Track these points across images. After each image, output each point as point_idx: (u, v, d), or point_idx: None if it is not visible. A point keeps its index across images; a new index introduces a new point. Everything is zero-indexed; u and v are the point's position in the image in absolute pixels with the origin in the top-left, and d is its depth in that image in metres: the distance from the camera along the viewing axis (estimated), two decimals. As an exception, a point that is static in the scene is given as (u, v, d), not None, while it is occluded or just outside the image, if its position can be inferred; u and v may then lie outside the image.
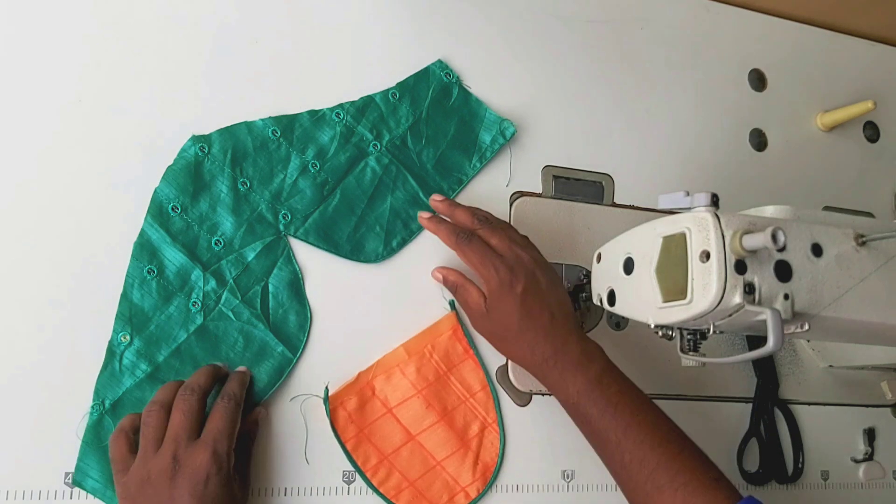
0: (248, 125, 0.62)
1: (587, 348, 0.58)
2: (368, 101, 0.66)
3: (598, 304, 0.62)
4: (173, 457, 0.50)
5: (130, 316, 0.56)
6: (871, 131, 0.88)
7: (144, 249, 0.58)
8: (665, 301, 0.52)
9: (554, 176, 0.72)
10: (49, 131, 0.58)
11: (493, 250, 0.59)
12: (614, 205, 0.74)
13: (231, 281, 0.59)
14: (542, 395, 0.67)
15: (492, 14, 0.74)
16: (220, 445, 0.51)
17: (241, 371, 0.58)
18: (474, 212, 0.61)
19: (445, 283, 0.63)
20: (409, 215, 0.65)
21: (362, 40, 0.69)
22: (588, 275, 0.66)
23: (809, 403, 0.77)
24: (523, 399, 0.67)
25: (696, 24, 0.83)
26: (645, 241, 0.55)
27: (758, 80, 0.84)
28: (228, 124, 0.63)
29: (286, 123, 0.63)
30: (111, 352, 0.56)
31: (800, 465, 0.74)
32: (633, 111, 0.77)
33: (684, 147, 0.79)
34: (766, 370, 0.75)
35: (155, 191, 0.59)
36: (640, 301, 0.55)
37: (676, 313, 0.51)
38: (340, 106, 0.65)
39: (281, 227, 0.61)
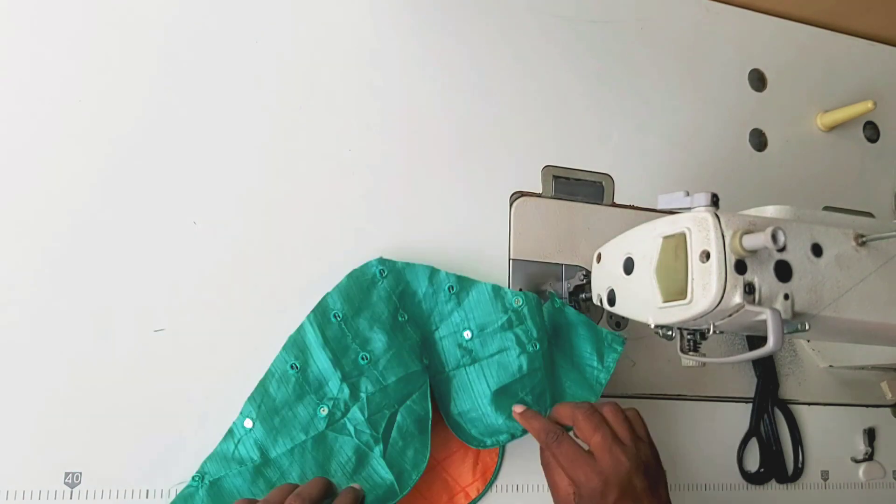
0: (433, 271, 0.62)
1: None
2: (539, 303, 0.64)
3: (598, 304, 0.62)
4: None
5: (261, 403, 0.56)
6: (871, 131, 0.88)
7: (296, 345, 0.58)
8: (665, 301, 0.52)
9: (554, 176, 0.72)
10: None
11: (588, 453, 0.55)
12: (614, 205, 0.74)
13: (364, 396, 0.58)
14: (542, 395, 0.67)
15: (492, 14, 0.74)
16: None
17: (354, 488, 0.54)
18: (576, 403, 0.58)
19: (540, 437, 0.57)
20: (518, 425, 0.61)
21: (362, 40, 0.69)
22: (588, 275, 0.66)
23: (809, 403, 0.77)
24: (523, 399, 0.67)
25: (696, 24, 0.83)
26: (645, 241, 0.55)
27: (758, 80, 0.84)
28: (228, 126, 0.63)
29: (465, 285, 0.63)
30: (231, 433, 0.56)
31: (800, 465, 0.74)
32: (633, 111, 0.77)
33: (684, 147, 0.79)
34: (767, 370, 0.75)
35: (325, 296, 0.59)
36: (640, 301, 0.55)
37: (676, 313, 0.51)
38: (525, 294, 0.63)
39: (422, 367, 0.60)
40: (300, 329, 0.58)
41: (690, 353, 0.56)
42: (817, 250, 0.53)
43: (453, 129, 0.70)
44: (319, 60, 0.67)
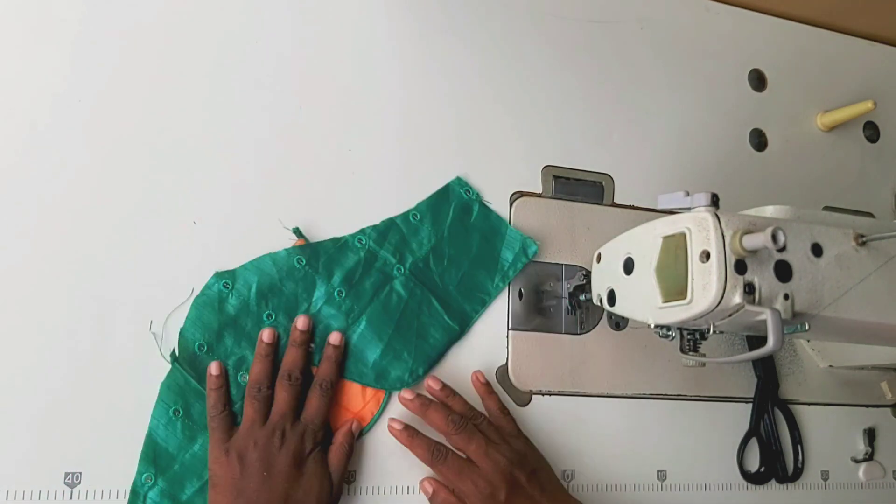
0: (273, 257, 0.61)
1: None
2: (390, 224, 0.65)
3: (598, 304, 0.62)
4: (281, 430, 0.56)
5: (155, 457, 0.56)
6: (871, 131, 0.88)
7: (171, 390, 0.57)
8: (665, 301, 0.52)
9: (554, 176, 0.72)
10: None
11: (469, 462, 0.59)
12: (614, 205, 0.74)
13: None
14: (542, 394, 0.67)
15: (492, 14, 0.74)
16: (317, 427, 0.58)
17: (330, 356, 0.60)
18: (448, 413, 0.60)
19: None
20: (436, 340, 0.64)
21: (362, 40, 0.69)
22: (588, 275, 0.66)
23: (809, 403, 0.77)
24: (523, 399, 0.67)
25: (696, 24, 0.83)
26: (645, 241, 0.55)
27: (758, 80, 0.84)
28: (228, 126, 0.63)
29: (311, 252, 0.62)
30: (135, 492, 0.55)
31: (800, 465, 0.74)
32: (633, 111, 0.77)
33: (684, 147, 0.79)
34: (767, 370, 0.75)
35: (181, 331, 0.58)
36: (640, 301, 0.55)
37: (676, 313, 0.51)
38: (362, 231, 0.64)
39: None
40: (170, 374, 0.57)
41: (690, 353, 0.56)
42: (817, 250, 0.53)
43: (453, 129, 0.70)
44: (319, 60, 0.67)
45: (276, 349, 0.59)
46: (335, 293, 0.62)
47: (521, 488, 0.59)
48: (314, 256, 0.63)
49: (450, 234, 0.67)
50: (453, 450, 0.60)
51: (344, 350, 0.61)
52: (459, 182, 0.68)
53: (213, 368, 0.57)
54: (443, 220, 0.67)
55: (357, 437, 0.60)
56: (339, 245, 0.63)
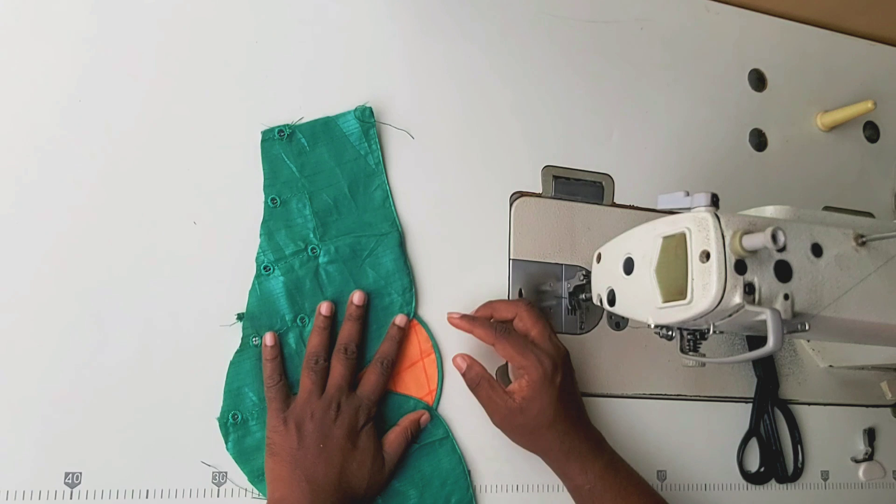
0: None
1: (598, 436, 0.62)
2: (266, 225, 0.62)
3: (598, 304, 0.62)
4: (337, 402, 0.57)
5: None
6: (871, 131, 0.88)
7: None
8: (665, 301, 0.52)
9: (554, 176, 0.72)
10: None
11: (531, 341, 0.60)
12: (614, 205, 0.74)
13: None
14: (542, 395, 0.67)
15: (492, 14, 0.74)
16: (372, 402, 0.59)
17: (393, 335, 0.62)
18: (495, 322, 0.62)
19: (467, 375, 0.62)
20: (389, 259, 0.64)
21: (362, 40, 0.69)
22: (588, 275, 0.66)
23: (809, 403, 0.77)
24: (523, 399, 0.67)
25: (696, 24, 0.83)
26: (645, 241, 0.55)
27: (758, 80, 0.84)
28: (228, 126, 0.63)
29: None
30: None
31: (800, 465, 0.74)
32: (634, 111, 0.77)
33: (684, 147, 0.79)
34: (767, 370, 0.75)
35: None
36: (640, 301, 0.55)
37: (676, 313, 0.51)
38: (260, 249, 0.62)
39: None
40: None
41: (690, 353, 0.56)
42: (817, 250, 0.53)
43: (453, 129, 0.70)
44: (319, 61, 0.67)
45: (333, 322, 0.61)
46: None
47: (571, 381, 0.62)
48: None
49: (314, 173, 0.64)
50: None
51: (367, 308, 0.62)
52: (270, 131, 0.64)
53: (269, 339, 0.59)
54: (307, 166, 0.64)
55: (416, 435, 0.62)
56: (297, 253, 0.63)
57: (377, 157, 0.65)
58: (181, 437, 0.57)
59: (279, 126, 0.63)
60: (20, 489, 0.53)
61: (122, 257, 0.58)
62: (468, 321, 0.62)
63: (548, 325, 0.62)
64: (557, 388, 0.59)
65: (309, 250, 0.62)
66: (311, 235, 0.62)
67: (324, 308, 0.60)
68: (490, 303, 0.64)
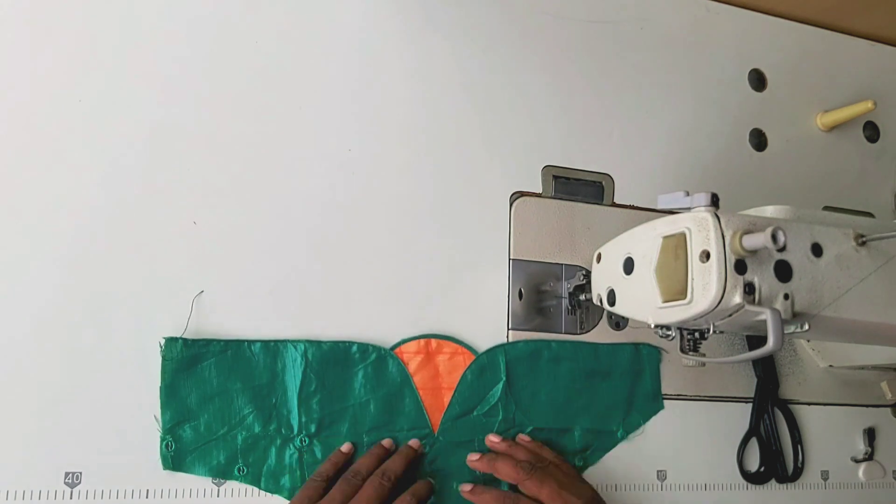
0: None
1: None
2: None
3: (598, 304, 0.62)
4: None
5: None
6: (871, 131, 0.88)
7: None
8: (665, 301, 0.52)
9: (554, 176, 0.72)
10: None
11: None
12: (614, 205, 0.74)
13: None
14: (542, 395, 0.67)
15: (492, 14, 0.74)
16: None
17: (411, 446, 0.62)
18: (516, 461, 0.61)
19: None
20: None
21: (362, 40, 0.69)
22: (588, 275, 0.66)
23: (809, 403, 0.77)
24: (523, 399, 0.67)
25: (696, 24, 0.83)
26: (645, 241, 0.55)
27: (758, 80, 0.84)
28: (228, 126, 0.63)
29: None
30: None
31: (800, 465, 0.74)
32: (633, 111, 0.77)
33: (684, 147, 0.79)
34: (767, 370, 0.75)
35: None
36: (640, 301, 0.55)
37: (676, 313, 0.51)
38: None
39: None
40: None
41: (690, 353, 0.56)
42: (817, 250, 0.53)
43: (453, 129, 0.70)
44: (319, 60, 0.67)
45: (388, 453, 0.61)
46: None
47: None
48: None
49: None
50: (523, 494, 0.60)
51: (419, 456, 0.62)
52: None
53: (345, 447, 0.60)
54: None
55: None
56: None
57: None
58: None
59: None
60: (20, 489, 0.53)
61: (122, 257, 0.58)
62: (476, 494, 0.61)
63: (554, 483, 0.59)
64: None
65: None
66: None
67: (385, 442, 0.62)
68: (496, 461, 0.62)
